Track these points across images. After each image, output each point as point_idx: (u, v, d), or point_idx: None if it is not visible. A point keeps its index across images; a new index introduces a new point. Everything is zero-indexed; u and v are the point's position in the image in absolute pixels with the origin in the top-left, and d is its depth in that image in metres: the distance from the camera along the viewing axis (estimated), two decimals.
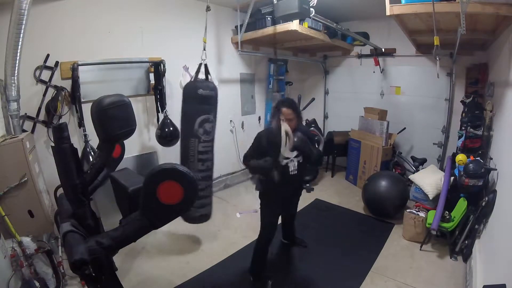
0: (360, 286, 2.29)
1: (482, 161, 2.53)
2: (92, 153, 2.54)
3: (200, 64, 2.82)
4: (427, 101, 4.12)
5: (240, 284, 2.34)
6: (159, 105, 3.17)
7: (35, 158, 2.20)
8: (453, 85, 3.64)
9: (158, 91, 3.12)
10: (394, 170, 4.01)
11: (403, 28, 3.01)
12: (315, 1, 2.70)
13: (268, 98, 4.67)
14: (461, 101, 3.47)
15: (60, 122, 2.49)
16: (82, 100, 2.61)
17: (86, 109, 2.48)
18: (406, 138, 4.30)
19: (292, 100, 2.21)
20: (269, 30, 3.56)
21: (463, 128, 3.25)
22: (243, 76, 4.33)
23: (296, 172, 2.13)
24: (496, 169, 2.37)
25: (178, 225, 3.10)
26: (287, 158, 2.08)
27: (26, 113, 2.42)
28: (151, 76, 3.18)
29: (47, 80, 2.52)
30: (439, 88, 3.94)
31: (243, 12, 3.57)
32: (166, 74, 3.13)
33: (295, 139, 2.01)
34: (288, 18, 2.72)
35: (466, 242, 2.48)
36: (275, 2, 2.73)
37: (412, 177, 3.36)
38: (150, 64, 3.13)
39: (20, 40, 1.98)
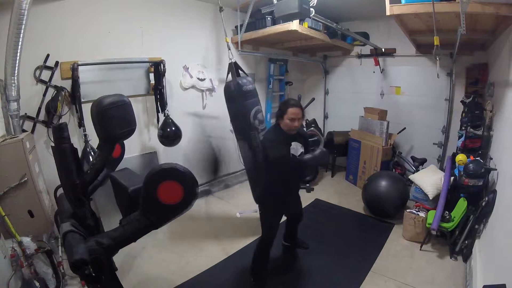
0: (360, 286, 2.29)
1: (482, 161, 2.53)
2: (92, 153, 2.54)
3: (230, 64, 2.88)
4: (427, 101, 4.12)
5: (240, 284, 2.34)
6: (159, 105, 3.17)
7: (35, 158, 2.20)
8: (453, 85, 3.64)
9: (158, 91, 3.12)
10: (394, 170, 4.01)
11: (403, 28, 3.01)
12: (315, 1, 2.70)
13: (268, 98, 4.67)
14: (461, 101, 3.47)
15: (60, 122, 2.50)
16: (82, 100, 2.61)
17: (86, 109, 2.48)
18: (406, 138, 4.30)
19: (295, 99, 2.21)
20: (269, 30, 3.57)
21: (463, 128, 3.25)
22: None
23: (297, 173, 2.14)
24: (496, 169, 2.37)
25: (178, 225, 3.11)
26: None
27: (26, 113, 2.42)
28: (151, 76, 3.18)
29: (47, 80, 2.52)
30: (439, 88, 3.94)
31: (243, 12, 3.57)
32: (166, 74, 3.13)
33: (317, 153, 2.00)
34: (288, 18, 2.72)
35: (466, 242, 2.48)
36: (275, 2, 2.73)
37: (412, 177, 3.36)
38: (150, 64, 3.13)
39: (20, 40, 1.98)
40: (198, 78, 3.65)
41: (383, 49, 4.28)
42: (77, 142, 2.65)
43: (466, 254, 2.45)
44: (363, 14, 4.18)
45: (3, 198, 1.93)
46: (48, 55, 2.50)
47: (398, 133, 4.13)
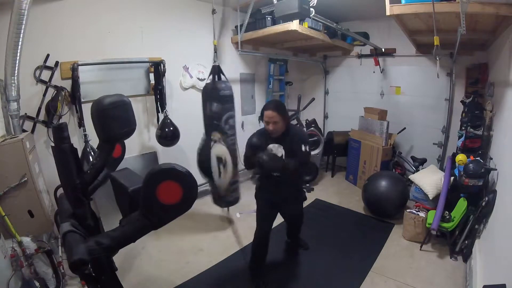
0: (360, 286, 2.29)
1: (482, 161, 2.53)
2: (92, 153, 2.54)
3: (214, 67, 2.93)
4: (427, 101, 4.12)
5: (240, 284, 2.34)
6: (159, 105, 3.17)
7: (35, 158, 2.20)
8: (453, 85, 3.64)
9: (158, 91, 3.12)
10: (394, 170, 4.01)
11: (403, 28, 3.01)
12: (315, 1, 2.70)
13: (268, 98, 4.67)
14: (461, 101, 3.47)
15: (60, 122, 2.50)
16: (82, 100, 2.61)
17: (86, 109, 2.49)
18: (406, 138, 4.30)
19: (278, 101, 2.17)
20: (269, 30, 3.57)
21: (463, 128, 3.25)
22: (243, 76, 4.33)
23: (279, 175, 2.03)
24: (496, 169, 2.37)
25: (178, 225, 3.11)
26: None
27: (26, 113, 2.43)
28: (151, 76, 3.18)
29: (47, 80, 2.52)
30: (439, 88, 3.94)
31: (243, 12, 3.57)
32: (166, 74, 3.13)
33: (264, 157, 1.87)
34: (288, 18, 2.72)
35: (466, 242, 2.48)
36: (275, 2, 2.73)
37: (412, 177, 3.36)
38: (150, 64, 3.13)
39: (20, 40, 1.98)
40: (198, 78, 3.65)
41: (383, 49, 4.28)
42: (77, 142, 2.65)
43: (466, 254, 2.45)
44: (363, 14, 4.18)
45: (3, 198, 1.93)
46: (48, 55, 2.50)
47: (398, 133, 4.13)
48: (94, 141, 2.20)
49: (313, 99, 4.55)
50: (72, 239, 1.22)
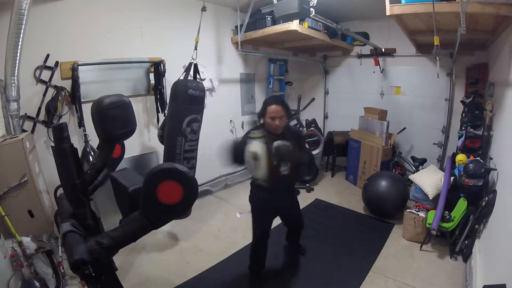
0: (360, 286, 2.29)
1: (482, 161, 2.53)
2: (92, 153, 2.54)
3: (190, 64, 2.82)
4: (427, 101, 4.12)
5: (240, 284, 2.34)
6: (159, 105, 3.17)
7: (35, 158, 2.20)
8: (453, 85, 3.64)
9: (158, 91, 3.13)
10: (394, 170, 4.01)
11: (403, 28, 3.01)
12: (315, 1, 2.70)
13: None
14: (461, 101, 3.47)
15: (60, 122, 2.50)
16: (82, 100, 2.61)
17: (86, 109, 2.49)
18: (406, 138, 4.30)
19: (278, 96, 2.10)
20: (269, 30, 3.57)
21: (463, 128, 3.25)
22: (243, 76, 4.33)
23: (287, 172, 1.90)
24: (496, 169, 2.37)
25: (178, 225, 3.11)
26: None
27: (26, 113, 2.42)
28: (151, 76, 3.18)
29: (47, 80, 2.52)
30: (439, 88, 3.94)
31: (243, 12, 3.57)
32: (166, 74, 3.13)
33: (278, 146, 1.75)
34: (288, 18, 2.72)
35: (466, 242, 2.48)
36: (275, 2, 2.73)
37: (412, 177, 3.36)
38: (150, 64, 3.13)
39: (20, 40, 1.98)
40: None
41: (383, 49, 4.28)
42: (77, 142, 2.65)
43: (466, 254, 2.45)
44: (363, 14, 4.18)
45: (3, 198, 1.93)
46: (48, 55, 2.50)
47: (398, 133, 4.13)
48: (94, 141, 2.20)
49: (313, 99, 4.55)
50: (72, 239, 1.22)
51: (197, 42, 2.98)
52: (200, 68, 3.67)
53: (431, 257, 2.63)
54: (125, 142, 1.91)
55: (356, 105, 4.54)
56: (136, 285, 2.30)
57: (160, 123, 3.17)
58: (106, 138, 1.41)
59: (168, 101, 3.11)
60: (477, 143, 2.99)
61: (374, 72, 4.52)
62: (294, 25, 3.26)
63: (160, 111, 3.18)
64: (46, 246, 2.05)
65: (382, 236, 2.98)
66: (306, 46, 4.37)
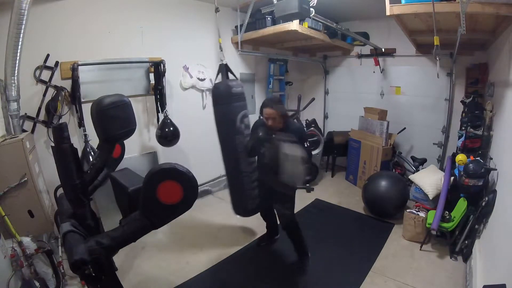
0: (360, 286, 2.29)
1: (482, 161, 2.53)
2: (92, 153, 2.54)
3: (221, 65, 2.84)
4: (427, 101, 4.12)
5: (240, 284, 2.34)
6: (159, 105, 3.17)
7: (35, 158, 2.20)
8: (453, 85, 3.64)
9: (158, 91, 3.12)
10: (394, 170, 4.01)
11: (403, 28, 3.01)
12: (315, 1, 2.70)
13: None
14: (461, 101, 3.47)
15: (60, 122, 2.50)
16: (82, 100, 2.61)
17: (86, 109, 2.48)
18: (406, 138, 4.30)
19: (274, 98, 2.24)
20: (269, 30, 3.57)
21: (463, 128, 3.25)
22: (243, 76, 4.33)
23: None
24: (496, 169, 2.37)
25: (178, 225, 3.11)
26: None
27: (26, 113, 2.42)
28: (151, 76, 3.18)
29: (47, 80, 2.52)
30: (439, 88, 3.94)
31: (243, 12, 3.57)
32: (166, 74, 3.13)
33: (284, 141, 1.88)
34: (288, 18, 2.72)
35: (466, 242, 2.48)
36: (275, 2, 2.73)
37: (412, 177, 3.36)
38: (150, 64, 3.13)
39: (20, 40, 1.98)
40: (198, 78, 3.65)
41: (383, 49, 4.28)
42: (77, 142, 2.65)
43: (466, 254, 2.45)
44: (363, 14, 4.18)
45: (3, 198, 1.93)
46: (48, 55, 2.50)
47: (398, 133, 4.13)
48: (94, 141, 2.20)
49: (313, 99, 4.55)
50: (72, 239, 1.23)
51: (220, 43, 3.08)
52: (200, 68, 3.70)
53: (431, 257, 2.63)
54: (125, 142, 1.92)
55: (356, 105, 4.54)
56: (136, 285, 2.30)
57: (160, 123, 3.17)
58: (106, 138, 1.41)
59: (173, 102, 3.12)
60: (477, 143, 2.99)
61: (374, 72, 4.52)
62: (294, 25, 3.26)
63: (160, 111, 3.18)
64: (46, 246, 2.05)
65: (382, 236, 2.98)
66: (306, 46, 4.37)
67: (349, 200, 3.84)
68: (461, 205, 2.65)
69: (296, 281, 2.39)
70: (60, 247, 2.27)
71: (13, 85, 2.17)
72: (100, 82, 2.82)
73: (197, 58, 3.67)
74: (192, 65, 3.61)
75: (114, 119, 1.36)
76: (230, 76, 2.84)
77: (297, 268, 2.50)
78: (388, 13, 2.42)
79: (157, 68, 3.07)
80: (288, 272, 2.50)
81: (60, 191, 1.58)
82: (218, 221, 3.32)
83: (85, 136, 2.60)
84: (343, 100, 5.05)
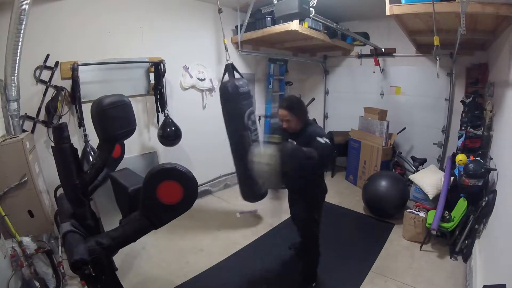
0: (360, 286, 2.29)
1: (482, 161, 2.53)
2: (92, 153, 2.54)
3: (227, 65, 2.95)
4: (427, 101, 4.12)
5: (240, 284, 2.34)
6: (159, 105, 3.17)
7: (35, 158, 2.20)
8: (453, 85, 3.64)
9: (158, 91, 3.12)
10: (394, 170, 4.01)
11: (403, 28, 3.01)
12: (315, 1, 2.70)
13: (268, 98, 4.67)
14: (461, 101, 3.47)
15: (60, 122, 2.50)
16: (82, 100, 2.61)
17: (86, 109, 2.48)
18: (406, 138, 4.30)
19: (290, 98, 2.09)
20: (269, 30, 3.57)
21: (463, 128, 3.25)
22: (243, 76, 4.32)
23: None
24: (496, 169, 2.36)
25: (178, 225, 3.11)
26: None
27: (26, 113, 2.42)
28: (151, 76, 3.18)
29: (47, 80, 2.52)
30: (439, 88, 3.94)
31: (243, 12, 3.57)
32: (166, 74, 3.13)
33: (282, 151, 1.70)
34: (288, 18, 2.72)
35: (466, 242, 2.48)
36: (275, 2, 2.73)
37: (412, 177, 3.36)
38: (150, 64, 3.13)
39: (20, 40, 1.98)
40: (198, 78, 3.65)
41: (383, 49, 4.28)
42: (77, 142, 2.65)
43: (466, 254, 2.45)
44: (363, 14, 4.18)
45: (3, 198, 1.93)
46: (48, 55, 2.50)
47: (398, 133, 4.13)
48: (94, 141, 2.20)
49: (313, 99, 4.56)
50: (72, 239, 1.23)
51: (225, 44, 3.11)
52: (200, 68, 3.70)
53: (431, 257, 2.63)
54: (125, 142, 1.92)
55: (356, 105, 4.54)
56: (136, 285, 2.30)
57: (160, 123, 3.17)
58: (106, 138, 1.41)
59: (173, 102, 3.15)
60: (477, 143, 3.00)
61: (374, 72, 4.52)
62: (294, 25, 3.26)
63: (160, 111, 3.18)
64: (46, 246, 2.05)
65: (382, 236, 2.98)
66: (306, 46, 4.37)
67: (349, 200, 3.84)
68: (461, 205, 2.65)
69: (296, 281, 2.38)
70: (60, 247, 2.27)
71: (13, 85, 2.17)
72: (100, 82, 2.82)
73: (197, 58, 3.67)
74: (192, 65, 3.61)
75: (114, 119, 1.36)
76: (237, 75, 2.97)
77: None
78: (388, 13, 2.42)
79: (157, 68, 3.07)
80: (288, 272, 2.49)
81: (60, 191, 1.58)
82: (218, 221, 3.32)
83: (85, 136, 2.60)
84: (343, 100, 5.05)
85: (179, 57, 3.43)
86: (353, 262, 2.58)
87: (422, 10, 2.30)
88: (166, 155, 3.41)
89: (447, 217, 2.65)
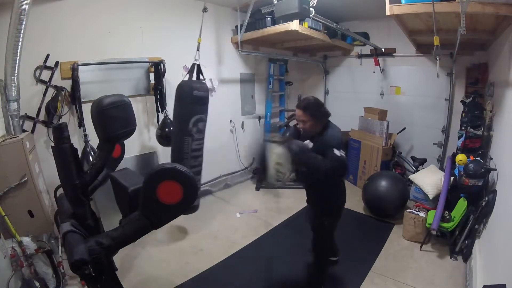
0: (360, 286, 2.29)
1: (482, 161, 2.53)
2: (92, 153, 2.54)
3: (193, 65, 2.90)
4: (427, 101, 4.12)
5: (240, 284, 2.34)
6: (159, 105, 3.17)
7: (35, 158, 2.20)
8: (453, 85, 3.64)
9: (158, 91, 3.12)
10: (394, 170, 4.01)
11: (403, 28, 3.01)
12: (315, 1, 2.70)
13: (268, 99, 4.67)
14: (461, 101, 3.47)
15: (60, 122, 2.49)
16: (82, 100, 2.61)
17: (86, 109, 2.48)
18: (406, 138, 4.30)
19: (308, 98, 2.02)
20: (269, 30, 3.57)
21: (463, 128, 3.25)
22: (243, 76, 4.33)
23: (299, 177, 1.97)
24: (496, 169, 2.37)
25: (178, 225, 3.11)
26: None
27: (26, 113, 2.42)
28: (151, 76, 3.18)
29: (47, 80, 2.52)
30: (439, 88, 3.94)
31: (243, 12, 3.57)
32: (166, 74, 3.13)
33: (294, 146, 1.74)
34: (288, 18, 2.72)
35: (466, 242, 2.48)
36: (275, 2, 2.73)
37: (412, 177, 3.36)
38: (150, 64, 3.13)
39: (20, 40, 1.98)
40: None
41: (383, 49, 4.28)
42: (77, 142, 2.65)
43: (466, 254, 2.45)
44: (363, 14, 4.18)
45: (3, 198, 1.93)
46: (48, 55, 2.50)
47: (398, 133, 4.13)
48: (94, 141, 2.20)
49: None
50: (72, 239, 1.22)
51: (199, 43, 3.01)
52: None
53: (431, 257, 2.63)
54: (125, 142, 1.92)
55: (356, 105, 4.54)
56: (136, 285, 2.30)
57: (160, 123, 3.17)
58: (106, 138, 1.41)
59: (173, 102, 3.14)
60: (477, 143, 3.00)
61: (374, 72, 4.52)
62: (294, 25, 3.26)
63: (160, 111, 3.18)
64: (46, 246, 2.05)
65: (382, 236, 2.98)
66: (306, 46, 4.37)
67: (349, 200, 3.75)
68: (461, 205, 2.65)
69: (296, 280, 2.38)
70: (60, 247, 2.27)
71: (13, 85, 2.17)
72: (100, 82, 2.82)
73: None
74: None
75: (114, 119, 1.35)
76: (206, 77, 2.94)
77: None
78: (388, 13, 2.42)
79: (157, 68, 3.08)
80: (289, 272, 2.49)
81: (60, 191, 1.58)
82: (218, 221, 3.32)
83: (85, 136, 2.60)
84: (343, 100, 5.04)
85: (179, 57, 3.43)
86: (353, 262, 2.57)
87: (422, 10, 2.30)
88: (166, 155, 3.40)
89: (447, 217, 2.65)
